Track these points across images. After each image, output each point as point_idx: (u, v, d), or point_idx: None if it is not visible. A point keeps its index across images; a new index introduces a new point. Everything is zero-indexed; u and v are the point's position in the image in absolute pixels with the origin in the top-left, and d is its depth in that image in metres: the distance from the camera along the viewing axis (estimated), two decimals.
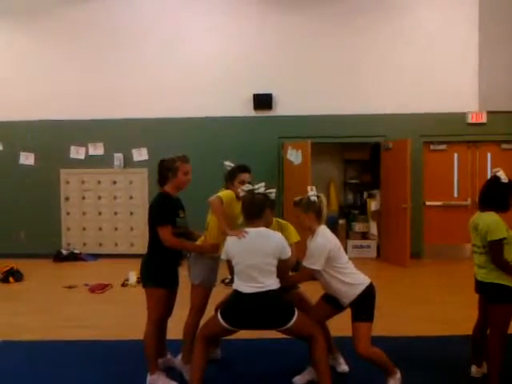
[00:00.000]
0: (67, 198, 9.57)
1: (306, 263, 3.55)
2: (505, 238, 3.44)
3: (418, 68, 9.04)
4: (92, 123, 9.36)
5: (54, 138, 9.43)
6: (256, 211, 3.53)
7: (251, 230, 3.48)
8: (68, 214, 9.59)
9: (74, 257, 9.25)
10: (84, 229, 9.59)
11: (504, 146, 9.21)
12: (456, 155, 9.29)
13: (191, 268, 3.99)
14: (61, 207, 9.56)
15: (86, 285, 7.16)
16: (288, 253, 3.47)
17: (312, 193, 3.67)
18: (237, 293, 3.42)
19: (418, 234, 8.98)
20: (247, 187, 3.64)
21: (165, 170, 3.89)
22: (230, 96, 9.17)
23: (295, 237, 3.96)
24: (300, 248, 3.84)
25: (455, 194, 9.30)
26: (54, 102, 9.36)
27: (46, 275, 8.15)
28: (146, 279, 3.85)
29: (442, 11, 9.02)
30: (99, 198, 9.55)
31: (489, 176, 9.03)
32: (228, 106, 9.20)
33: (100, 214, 9.57)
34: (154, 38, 9.32)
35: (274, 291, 3.39)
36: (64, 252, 9.31)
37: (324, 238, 3.58)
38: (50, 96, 9.37)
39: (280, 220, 4.09)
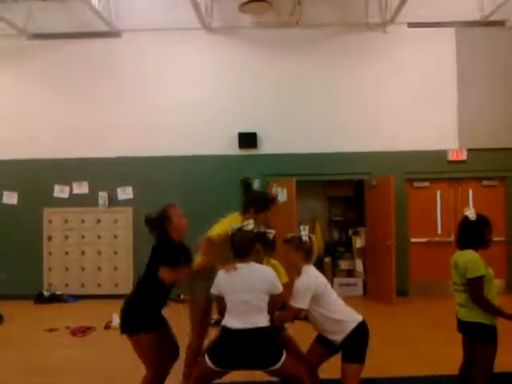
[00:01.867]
0: (50, 238, 9.43)
1: (291, 302, 3.52)
2: (483, 276, 3.44)
3: (399, 107, 9.26)
4: (77, 162, 9.34)
5: (37, 177, 9.36)
6: (245, 249, 3.53)
7: (242, 266, 3.47)
8: (50, 253, 9.42)
9: (55, 298, 9.04)
10: (66, 269, 9.42)
11: (485, 182, 9.38)
12: (439, 192, 9.41)
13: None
14: (43, 247, 9.40)
15: (68, 327, 6.99)
16: (279, 288, 3.47)
17: (304, 233, 3.68)
18: (225, 329, 3.37)
19: (403, 271, 8.98)
20: (236, 225, 3.64)
21: (159, 223, 3.91)
22: (215, 135, 9.26)
23: (284, 278, 3.95)
24: (289, 289, 3.81)
25: (439, 231, 9.37)
26: (38, 140, 9.35)
27: (27, 317, 7.94)
28: (131, 325, 3.72)
29: (420, 52, 9.31)
30: (82, 237, 9.43)
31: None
32: (213, 145, 9.27)
33: (83, 253, 9.42)
34: (140, 78, 9.44)
35: (264, 329, 3.35)
36: (45, 293, 9.10)
37: (309, 276, 3.56)
38: (35, 134, 9.37)
39: (271, 260, 4.07)
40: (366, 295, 9.21)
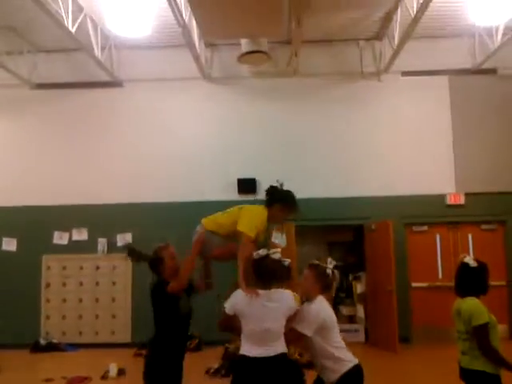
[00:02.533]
0: (48, 285, 9.35)
1: (297, 326, 3.43)
2: (488, 323, 3.40)
3: (396, 152, 9.39)
4: (76, 208, 9.39)
5: (37, 224, 9.37)
6: (270, 278, 3.41)
7: (263, 293, 3.36)
8: (48, 301, 9.32)
9: (52, 347, 8.88)
10: (64, 317, 9.29)
11: (484, 226, 9.39)
12: (438, 236, 9.41)
13: None
14: (41, 294, 9.31)
15: (64, 378, 6.82)
16: (293, 308, 3.40)
17: (330, 266, 3.63)
18: (244, 358, 3.29)
19: (405, 316, 8.84)
20: (263, 251, 3.48)
21: (154, 267, 3.90)
22: (215, 181, 9.36)
23: (297, 303, 3.90)
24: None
25: (440, 275, 9.31)
26: (38, 187, 9.44)
27: (23, 367, 7.78)
28: (152, 379, 3.69)
29: (415, 100, 9.53)
30: (81, 284, 9.35)
31: (471, 256, 9.13)
32: (213, 191, 9.34)
33: (81, 300, 9.32)
34: (141, 126, 9.63)
35: (284, 355, 3.29)
36: (42, 342, 8.94)
37: (321, 306, 3.51)
38: (35, 182, 9.47)
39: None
40: (368, 342, 9.05)
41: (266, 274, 3.42)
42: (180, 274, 3.80)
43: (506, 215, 9.26)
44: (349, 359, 3.49)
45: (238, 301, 3.41)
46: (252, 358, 3.26)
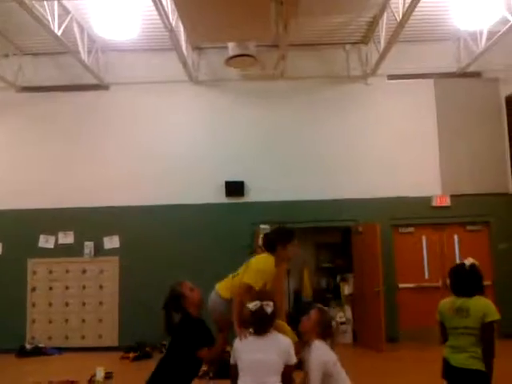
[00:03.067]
0: (34, 289, 9.26)
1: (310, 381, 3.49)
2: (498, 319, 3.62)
3: (383, 155, 9.47)
4: (63, 211, 9.32)
5: (23, 227, 9.30)
6: (264, 327, 3.50)
7: (259, 337, 3.48)
8: (34, 305, 9.24)
9: (38, 351, 8.79)
10: (50, 321, 9.20)
11: (469, 227, 9.50)
12: (424, 237, 9.50)
13: None
14: (27, 298, 9.22)
15: (51, 382, 6.75)
16: (294, 359, 3.45)
17: (338, 319, 3.67)
18: None
19: (392, 316, 8.91)
20: (256, 305, 3.54)
21: (177, 305, 3.97)
22: (202, 184, 9.35)
23: (293, 338, 3.93)
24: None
25: (426, 276, 9.40)
26: (24, 190, 9.34)
27: (9, 372, 7.67)
28: None
29: (401, 103, 9.62)
30: (67, 288, 9.27)
31: (457, 258, 9.25)
32: (200, 194, 9.34)
33: (67, 304, 9.25)
34: (128, 129, 9.60)
35: None
36: (28, 346, 8.85)
37: (321, 350, 3.55)
38: (21, 185, 9.37)
39: (277, 320, 4.07)
40: (356, 342, 9.09)
41: (261, 325, 3.50)
42: (215, 349, 3.88)
43: (491, 216, 9.38)
44: None
45: (235, 348, 3.52)
46: None
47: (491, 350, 3.58)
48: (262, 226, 4.25)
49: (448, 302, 3.85)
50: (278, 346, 3.43)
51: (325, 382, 3.47)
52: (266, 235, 4.45)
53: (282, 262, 4.29)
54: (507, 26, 7.71)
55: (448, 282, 4.06)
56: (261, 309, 3.49)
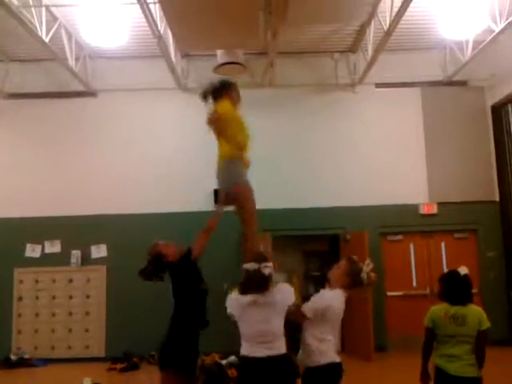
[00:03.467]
0: (20, 299, 9.13)
1: (304, 305, 3.56)
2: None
3: (371, 163, 9.52)
4: (49, 220, 9.20)
5: (9, 236, 9.16)
6: (260, 287, 3.44)
7: (257, 297, 3.41)
8: (20, 315, 9.10)
9: (23, 362, 8.64)
10: (36, 331, 9.07)
11: (456, 235, 9.57)
12: (412, 245, 9.54)
13: None
14: (13, 308, 9.08)
15: None
16: (292, 299, 3.48)
17: (366, 268, 3.68)
18: (248, 359, 3.36)
19: (381, 324, 8.91)
20: (252, 266, 3.49)
21: (160, 265, 4.12)
22: (190, 192, 9.29)
23: (296, 298, 3.92)
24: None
25: (414, 284, 9.43)
26: (10, 198, 9.24)
27: None
28: (169, 360, 3.79)
29: (389, 111, 9.70)
30: (53, 297, 9.15)
31: (445, 266, 9.27)
32: (189, 202, 9.29)
33: (54, 314, 9.12)
34: (116, 136, 9.54)
35: (286, 355, 3.38)
36: (13, 357, 8.70)
37: (333, 296, 3.57)
38: (6, 193, 9.28)
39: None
40: (344, 350, 9.06)
41: (257, 285, 3.44)
42: (199, 242, 4.13)
43: (477, 224, 9.45)
44: (329, 358, 3.49)
45: (233, 305, 3.51)
46: (254, 359, 3.33)
47: (484, 357, 3.66)
48: None
49: (441, 309, 3.86)
50: (277, 303, 3.40)
51: (317, 321, 3.49)
52: (205, 91, 4.62)
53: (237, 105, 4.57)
54: (492, 36, 7.82)
55: (437, 288, 4.09)
56: (258, 271, 3.43)
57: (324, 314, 3.50)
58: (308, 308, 3.53)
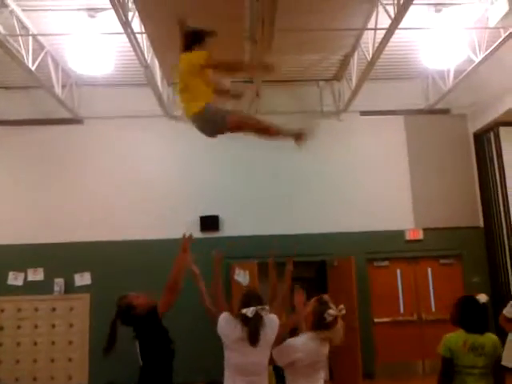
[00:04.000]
0: (1, 328, 8.93)
1: (274, 352, 3.54)
2: None
3: (357, 189, 9.58)
4: (32, 247, 9.07)
5: None
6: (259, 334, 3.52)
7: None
8: (0, 345, 8.89)
9: None
10: (17, 361, 8.85)
11: (442, 261, 9.62)
12: (398, 271, 9.56)
13: None
14: None
15: None
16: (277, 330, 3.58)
17: (332, 311, 3.62)
18: None
19: (368, 352, 8.85)
20: (253, 311, 3.54)
21: (130, 316, 3.92)
22: (176, 219, 9.24)
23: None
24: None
25: (401, 310, 9.41)
26: None
27: None
28: None
29: (374, 138, 9.81)
30: (36, 326, 8.97)
31: (431, 292, 9.27)
32: (175, 229, 9.15)
33: (35, 344, 8.92)
34: (102, 164, 9.52)
35: None
36: None
37: (303, 344, 3.54)
38: None
39: None
40: (332, 379, 8.97)
41: (255, 331, 3.51)
42: (172, 276, 3.95)
43: (462, 249, 9.52)
44: None
45: (222, 325, 3.60)
46: None
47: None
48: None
49: (458, 337, 3.67)
50: (268, 341, 3.50)
51: (289, 369, 3.51)
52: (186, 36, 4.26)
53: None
54: (472, 66, 8.02)
55: (452, 313, 3.87)
56: (257, 315, 3.51)
57: (294, 365, 3.49)
58: (280, 358, 3.54)
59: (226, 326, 3.56)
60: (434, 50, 8.09)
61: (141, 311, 3.83)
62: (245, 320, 3.51)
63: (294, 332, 3.84)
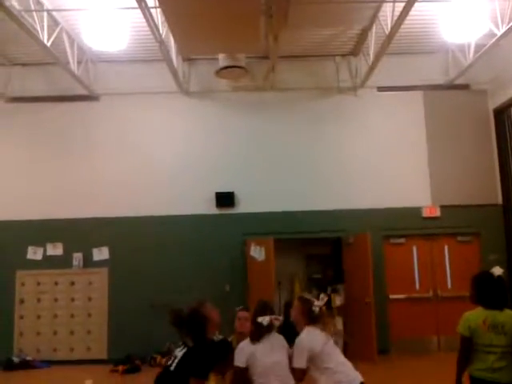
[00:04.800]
0: (22, 301, 9.15)
1: (293, 364, 3.74)
2: None
3: (373, 165, 9.50)
4: (51, 223, 9.23)
5: (11, 239, 9.19)
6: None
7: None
8: (22, 317, 9.12)
9: (25, 364, 8.66)
10: (38, 333, 9.09)
11: (459, 238, 9.52)
12: (415, 248, 9.51)
13: None
14: (15, 310, 9.10)
15: None
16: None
17: (318, 303, 3.89)
18: None
19: (383, 328, 8.88)
20: (267, 320, 3.84)
21: (199, 328, 3.55)
22: (192, 195, 9.32)
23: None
24: None
25: (417, 287, 9.40)
26: (11, 201, 9.26)
27: None
28: None
29: (391, 114, 9.67)
30: (55, 300, 9.17)
31: (448, 269, 9.23)
32: (191, 205, 9.30)
33: (55, 316, 9.14)
34: (118, 140, 9.55)
35: None
36: (15, 359, 8.72)
37: (306, 337, 3.74)
38: (8, 195, 9.30)
39: None
40: (347, 354, 9.03)
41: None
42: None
43: (481, 227, 9.41)
44: (351, 379, 3.67)
45: (245, 350, 3.80)
46: None
47: None
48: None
49: (478, 315, 3.54)
50: (282, 344, 3.89)
51: (312, 364, 3.70)
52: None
53: None
54: (494, 40, 7.79)
55: (470, 291, 3.72)
56: (271, 324, 3.85)
57: (312, 357, 3.68)
58: (297, 361, 3.70)
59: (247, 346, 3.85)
60: (454, 23, 7.88)
61: (211, 332, 3.66)
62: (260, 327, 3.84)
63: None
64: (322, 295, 3.94)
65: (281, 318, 3.96)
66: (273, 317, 3.87)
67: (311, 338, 3.73)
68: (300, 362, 3.67)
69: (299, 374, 3.72)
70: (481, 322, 3.48)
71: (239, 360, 3.76)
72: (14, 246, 9.18)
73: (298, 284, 9.95)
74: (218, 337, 3.85)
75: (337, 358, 3.75)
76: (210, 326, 3.61)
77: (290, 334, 3.99)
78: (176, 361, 3.44)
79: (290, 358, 3.78)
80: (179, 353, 3.48)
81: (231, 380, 3.88)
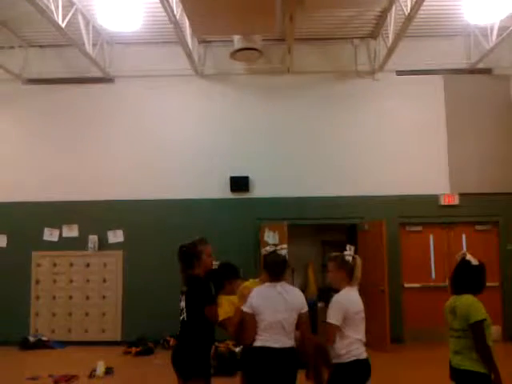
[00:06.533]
0: (37, 282, 9.27)
1: (327, 319, 3.60)
2: (485, 320, 3.37)
3: (390, 151, 9.34)
4: (67, 205, 9.30)
5: (27, 220, 9.29)
6: (280, 269, 3.75)
7: (277, 285, 3.69)
8: (37, 298, 9.24)
9: (41, 344, 8.79)
10: (53, 314, 9.21)
11: (478, 227, 9.33)
12: (432, 236, 9.35)
13: None
14: (31, 291, 9.23)
15: (51, 376, 6.75)
16: (306, 306, 3.73)
17: (348, 252, 3.76)
18: (264, 349, 3.53)
19: (397, 316, 8.80)
20: (271, 248, 3.85)
21: (188, 257, 3.98)
22: (207, 179, 9.29)
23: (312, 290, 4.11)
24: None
25: (433, 276, 9.26)
26: (29, 183, 9.35)
27: (10, 364, 7.72)
28: (191, 370, 3.79)
29: (410, 99, 9.46)
30: (71, 281, 9.27)
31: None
32: (205, 189, 9.28)
33: (71, 298, 9.24)
34: (133, 122, 9.55)
35: (294, 349, 3.62)
36: (31, 339, 8.86)
37: (345, 296, 3.65)
38: (25, 177, 9.39)
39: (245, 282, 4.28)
40: None
41: (277, 267, 3.75)
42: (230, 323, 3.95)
43: (500, 216, 9.21)
44: (354, 353, 3.57)
45: (255, 298, 3.66)
46: (272, 349, 3.52)
47: (485, 354, 3.33)
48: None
49: (448, 301, 3.65)
50: (296, 298, 3.70)
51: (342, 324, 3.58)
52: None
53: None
54: None
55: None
56: (275, 252, 3.78)
57: (344, 316, 3.57)
58: (333, 317, 3.57)
59: (258, 293, 3.75)
60: (476, 4, 7.63)
61: (198, 270, 3.98)
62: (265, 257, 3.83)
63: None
64: (348, 246, 3.83)
65: (285, 246, 3.95)
66: (278, 247, 3.87)
67: (350, 298, 3.65)
68: (334, 318, 3.54)
69: (332, 330, 3.56)
70: (445, 308, 3.64)
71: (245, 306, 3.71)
72: (31, 227, 9.28)
73: (312, 270, 9.88)
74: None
75: (361, 332, 3.66)
76: (199, 262, 3.96)
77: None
78: (184, 310, 3.87)
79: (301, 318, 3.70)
80: (182, 302, 3.90)
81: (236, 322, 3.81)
